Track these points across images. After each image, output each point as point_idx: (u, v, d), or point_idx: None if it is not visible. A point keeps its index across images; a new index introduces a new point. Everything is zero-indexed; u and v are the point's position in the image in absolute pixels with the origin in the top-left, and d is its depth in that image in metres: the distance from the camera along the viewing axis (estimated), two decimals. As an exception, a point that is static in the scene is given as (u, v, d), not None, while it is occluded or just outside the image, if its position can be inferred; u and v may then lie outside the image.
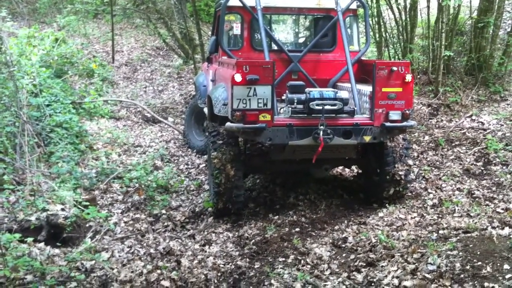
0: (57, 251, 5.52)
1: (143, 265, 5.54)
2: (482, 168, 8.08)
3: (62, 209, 6.16)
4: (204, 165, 9.10)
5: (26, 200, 6.29)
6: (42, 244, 5.55)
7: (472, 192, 7.29)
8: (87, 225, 6.33)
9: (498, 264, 4.61)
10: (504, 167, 7.96)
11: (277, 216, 6.90)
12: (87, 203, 6.37)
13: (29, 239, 5.41)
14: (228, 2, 7.39)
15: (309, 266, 5.49)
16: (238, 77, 6.02)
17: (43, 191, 6.68)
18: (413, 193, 7.36)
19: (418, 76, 11.22)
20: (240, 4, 7.45)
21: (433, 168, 8.21)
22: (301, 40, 8.67)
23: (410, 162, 7.02)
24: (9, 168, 7.06)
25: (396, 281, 4.77)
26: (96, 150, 9.00)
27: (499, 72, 10.87)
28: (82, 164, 8.28)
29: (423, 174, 7.97)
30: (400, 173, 6.85)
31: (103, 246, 6.06)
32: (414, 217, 6.56)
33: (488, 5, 10.60)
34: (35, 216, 5.93)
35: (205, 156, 9.16)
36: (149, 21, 16.57)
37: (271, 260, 5.75)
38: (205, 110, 8.43)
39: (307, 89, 6.47)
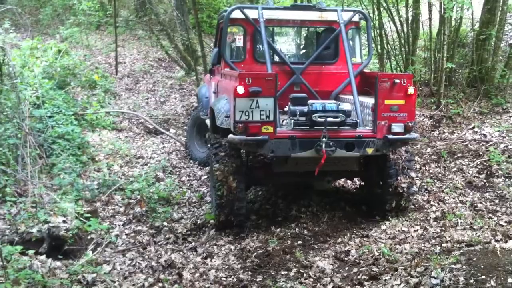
0: (58, 263, 5.50)
1: (144, 278, 5.52)
2: (485, 181, 8.05)
3: (64, 221, 6.15)
4: (206, 177, 9.08)
5: (28, 212, 6.28)
6: (43, 257, 5.52)
7: (475, 204, 7.26)
8: (89, 237, 6.32)
9: (502, 278, 4.57)
10: (507, 180, 7.93)
11: (279, 229, 6.87)
12: (89, 215, 6.38)
13: (31, 252, 5.40)
14: (231, 14, 7.41)
15: (311, 280, 5.45)
16: (240, 89, 6.02)
17: (45, 203, 6.68)
18: (416, 205, 7.34)
19: (420, 88, 11.23)
20: (243, 17, 7.48)
21: (436, 181, 8.18)
22: (303, 52, 8.69)
23: (413, 174, 7.00)
24: (11, 179, 7.06)
25: (399, 295, 4.74)
26: (98, 162, 9.00)
27: (501, 84, 10.88)
28: (84, 176, 8.28)
29: (425, 187, 7.95)
30: (403, 185, 6.82)
31: (105, 259, 6.03)
32: (417, 230, 6.53)
33: (490, 17, 10.63)
34: (37, 228, 5.93)
35: (207, 168, 9.15)
36: (151, 32, 16.64)
37: (273, 273, 5.71)
38: (207, 121, 8.43)
39: (309, 101, 6.47)
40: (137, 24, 18.04)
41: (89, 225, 6.12)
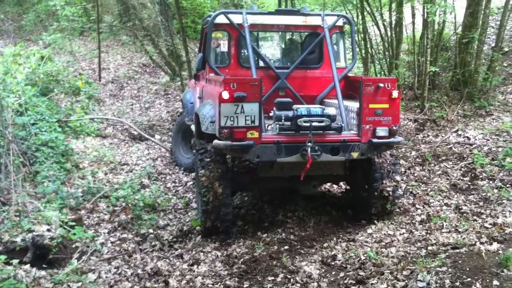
0: (43, 273, 5.44)
1: (130, 286, 5.48)
2: (469, 183, 8.11)
3: (48, 230, 6.08)
4: (191, 183, 9.05)
5: (12, 221, 6.20)
6: (28, 266, 5.47)
7: (460, 207, 7.31)
8: (74, 245, 6.26)
9: (488, 280, 4.60)
10: (491, 182, 8.00)
11: (266, 234, 6.86)
12: (73, 223, 6.32)
13: (15, 261, 5.34)
14: (215, 19, 7.41)
15: (298, 285, 5.45)
16: (225, 95, 6.02)
17: (29, 212, 6.60)
18: (401, 209, 7.37)
19: (404, 92, 11.29)
20: (227, 21, 7.47)
21: (421, 184, 8.23)
22: (288, 57, 8.70)
23: (398, 178, 7.03)
24: (-7, 188, 6.97)
25: (386, 299, 4.75)
26: (82, 169, 8.92)
27: (484, 87, 10.97)
28: (68, 183, 8.20)
29: (410, 190, 7.99)
30: (388, 189, 6.86)
31: (90, 267, 5.98)
32: (403, 233, 6.56)
33: (472, 20, 10.73)
34: (21, 237, 5.86)
35: (192, 174, 9.12)
36: (135, 38, 16.57)
37: (260, 279, 5.70)
38: (193, 127, 8.40)
39: (294, 106, 6.47)
40: (121, 30, 17.95)
41: (74, 234, 6.06)
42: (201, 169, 6.69)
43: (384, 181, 6.85)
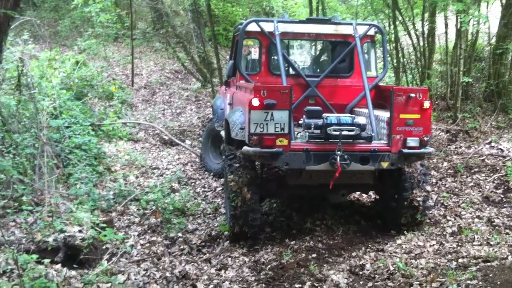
0: (73, 273, 5.53)
1: (158, 288, 5.53)
2: (502, 196, 7.97)
3: (80, 231, 6.18)
4: (220, 188, 9.10)
5: (44, 221, 6.33)
6: (59, 266, 5.56)
7: (492, 220, 7.19)
8: (104, 247, 6.35)
9: (519, 295, 4.52)
10: (524, 195, 7.85)
11: (294, 241, 6.85)
12: (104, 225, 6.41)
13: (46, 261, 5.44)
14: (247, 27, 7.47)
15: (325, 293, 5.43)
16: (255, 102, 6.05)
17: (61, 212, 6.73)
18: (432, 220, 7.28)
19: (436, 102, 11.18)
20: (259, 29, 7.52)
21: (452, 195, 8.12)
22: (318, 65, 8.71)
23: (428, 188, 6.95)
24: (27, 189, 7.13)
25: (414, 310, 4.70)
26: (114, 172, 9.06)
27: (518, 98, 10.81)
28: (100, 186, 8.34)
29: (442, 201, 7.89)
30: (418, 199, 6.78)
31: (119, 269, 6.06)
32: (433, 244, 6.47)
33: (506, 31, 10.59)
34: (53, 238, 5.96)
35: (221, 179, 9.17)
36: (168, 45, 16.80)
37: (287, 286, 5.69)
38: (222, 133, 8.45)
39: (324, 114, 6.47)
40: (154, 36, 18.20)
41: (105, 235, 6.15)
42: (230, 174, 6.73)
43: (414, 191, 6.77)
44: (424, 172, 6.92)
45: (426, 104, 6.26)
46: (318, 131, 6.39)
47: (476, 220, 7.24)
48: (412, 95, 6.25)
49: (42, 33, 16.83)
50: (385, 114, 6.60)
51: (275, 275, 5.96)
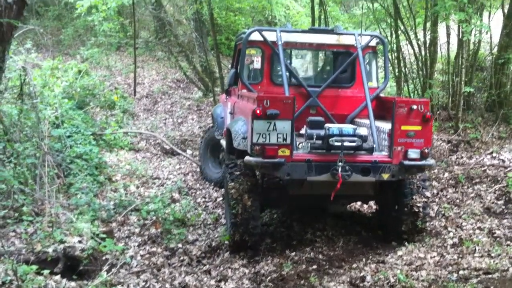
0: (73, 284, 5.52)
1: (158, 300, 5.50)
2: (503, 207, 7.94)
3: (79, 241, 6.18)
4: (221, 198, 9.09)
5: (44, 231, 6.32)
6: (58, 277, 5.55)
7: (493, 231, 7.15)
8: (104, 258, 6.33)
9: (521, 309, 4.49)
10: (526, 206, 7.81)
11: (294, 253, 6.83)
12: (104, 236, 6.41)
13: (46, 271, 5.43)
14: (250, 36, 7.48)
15: (326, 305, 5.40)
16: (258, 111, 6.05)
17: (61, 223, 6.72)
18: (433, 231, 7.25)
19: (438, 112, 11.17)
20: (261, 39, 7.54)
21: (453, 206, 8.09)
22: (320, 75, 8.71)
23: (428, 194, 6.92)
24: (28, 198, 7.13)
25: (415, 324, 4.67)
26: (115, 182, 9.06)
27: (520, 108, 10.78)
28: (100, 196, 8.34)
29: (443, 212, 7.86)
30: (418, 204, 6.74)
31: (119, 280, 6.04)
32: (434, 256, 6.44)
33: (508, 41, 10.58)
34: (52, 248, 5.96)
35: (222, 189, 9.16)
36: (170, 54, 16.84)
37: (287, 298, 5.67)
38: (222, 142, 8.44)
39: (326, 125, 6.46)
40: (157, 46, 18.26)
41: (105, 246, 6.15)
42: (230, 182, 6.71)
43: (414, 197, 6.74)
44: (423, 178, 6.89)
45: (428, 116, 6.25)
46: (320, 141, 6.38)
47: (477, 231, 7.20)
48: (414, 107, 6.25)
49: (45, 41, 16.91)
50: (386, 126, 6.60)
51: (275, 286, 5.95)
